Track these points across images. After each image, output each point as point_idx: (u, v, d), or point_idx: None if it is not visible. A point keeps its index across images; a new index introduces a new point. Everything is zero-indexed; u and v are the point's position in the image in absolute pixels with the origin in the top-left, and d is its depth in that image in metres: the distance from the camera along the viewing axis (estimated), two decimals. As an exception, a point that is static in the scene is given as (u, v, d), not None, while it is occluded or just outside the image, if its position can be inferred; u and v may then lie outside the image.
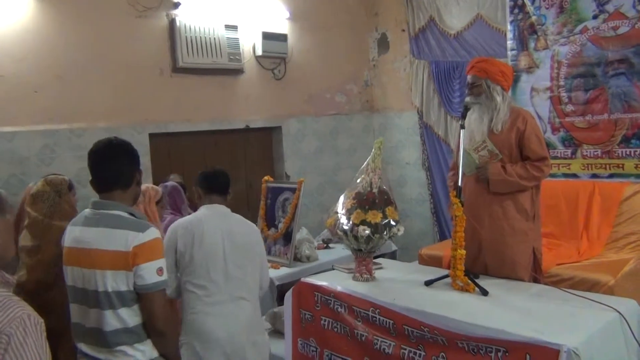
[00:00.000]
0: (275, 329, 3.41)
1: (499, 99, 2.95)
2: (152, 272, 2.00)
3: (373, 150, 2.93)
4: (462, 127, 2.79)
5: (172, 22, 4.81)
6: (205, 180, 2.86)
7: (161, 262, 2.04)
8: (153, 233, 2.04)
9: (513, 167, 2.89)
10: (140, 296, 2.01)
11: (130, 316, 2.02)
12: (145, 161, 4.63)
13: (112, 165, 2.11)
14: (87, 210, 2.14)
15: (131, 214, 2.10)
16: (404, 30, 6.12)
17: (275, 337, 3.36)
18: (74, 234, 2.10)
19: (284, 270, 4.13)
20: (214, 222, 2.72)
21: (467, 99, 3.01)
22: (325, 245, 4.85)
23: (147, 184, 3.17)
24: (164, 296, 2.06)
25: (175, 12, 4.83)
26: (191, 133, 5.04)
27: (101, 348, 2.03)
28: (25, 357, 1.17)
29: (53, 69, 4.21)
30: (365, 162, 2.96)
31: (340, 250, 4.56)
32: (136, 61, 4.61)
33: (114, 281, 1.99)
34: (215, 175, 2.87)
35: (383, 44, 6.39)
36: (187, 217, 2.83)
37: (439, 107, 5.81)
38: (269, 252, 4.45)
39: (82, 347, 2.09)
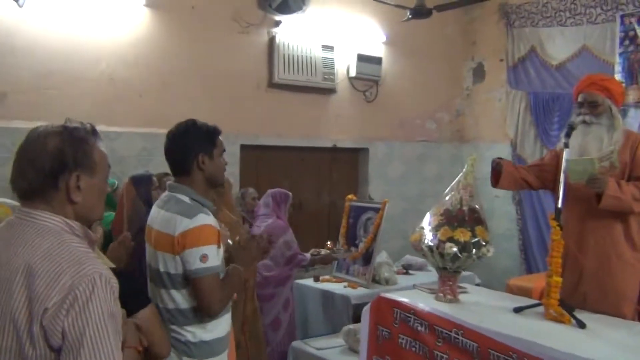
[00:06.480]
0: (348, 346, 3.31)
1: (621, 119, 2.81)
2: (195, 259, 2.01)
3: (465, 166, 2.84)
4: (567, 145, 2.63)
5: (272, 39, 4.97)
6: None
7: (206, 249, 2.02)
8: (201, 219, 2.04)
9: (628, 185, 2.67)
10: (189, 281, 2.06)
11: (181, 299, 2.08)
12: (234, 171, 4.75)
13: (171, 150, 2.18)
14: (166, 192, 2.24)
15: (193, 199, 2.11)
16: (502, 60, 5.96)
17: (348, 354, 3.26)
18: (151, 214, 2.22)
19: (361, 291, 4.03)
20: None
21: (585, 118, 2.82)
22: (405, 271, 4.71)
23: None
24: (209, 282, 2.04)
25: (275, 30, 5.00)
26: (280, 147, 5.13)
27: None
28: (88, 316, 1.15)
29: (159, 76, 4.46)
30: (456, 179, 2.86)
31: (420, 277, 4.40)
32: (235, 74, 4.79)
33: (165, 263, 2.07)
34: None
35: (479, 73, 6.25)
36: None
37: (535, 139, 5.58)
38: (347, 271, 4.38)
39: None
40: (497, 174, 3.13)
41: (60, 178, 1.26)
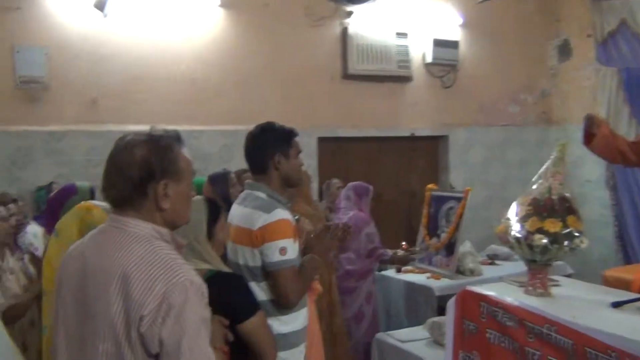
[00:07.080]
0: (433, 339, 3.25)
1: None
2: (274, 252, 2.08)
3: (555, 153, 2.68)
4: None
5: (344, 30, 4.94)
6: None
7: (284, 242, 2.09)
8: (278, 214, 2.12)
9: None
10: (267, 273, 2.12)
11: (260, 291, 2.14)
12: (312, 163, 4.78)
13: (249, 150, 2.28)
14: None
15: (270, 196, 2.19)
16: (589, 36, 5.59)
17: (433, 347, 3.20)
18: (231, 211, 2.29)
19: (444, 282, 3.95)
20: None
21: None
22: (490, 261, 4.56)
23: None
24: (288, 274, 2.10)
25: (347, 20, 4.97)
26: (357, 138, 5.11)
27: None
28: (183, 324, 1.19)
29: (235, 74, 4.56)
30: (544, 166, 2.71)
31: (507, 268, 4.24)
32: (309, 67, 4.81)
33: (244, 256, 2.15)
34: None
35: (564, 50, 5.91)
36: None
37: (630, 119, 5.21)
38: (429, 262, 4.30)
39: None
40: (590, 133, 2.86)
41: (148, 186, 1.31)
